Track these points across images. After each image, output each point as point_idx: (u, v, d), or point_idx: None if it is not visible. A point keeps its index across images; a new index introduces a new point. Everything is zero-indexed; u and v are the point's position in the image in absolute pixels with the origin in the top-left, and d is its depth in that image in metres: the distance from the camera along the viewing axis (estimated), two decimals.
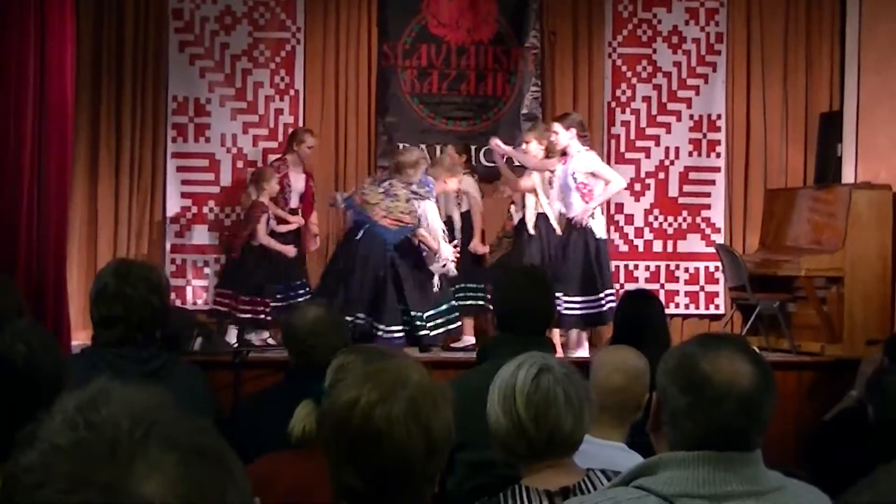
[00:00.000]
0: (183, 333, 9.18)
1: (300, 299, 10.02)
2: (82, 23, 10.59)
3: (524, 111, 11.50)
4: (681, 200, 11.64)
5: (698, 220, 11.62)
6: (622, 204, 11.60)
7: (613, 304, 9.44)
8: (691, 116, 11.64)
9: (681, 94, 11.65)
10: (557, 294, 9.10)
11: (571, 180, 9.50)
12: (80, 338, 8.99)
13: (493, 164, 10.95)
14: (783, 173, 11.61)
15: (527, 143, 9.95)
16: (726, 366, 2.31)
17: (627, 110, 11.68)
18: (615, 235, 11.58)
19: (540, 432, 3.11)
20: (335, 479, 2.35)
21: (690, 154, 11.64)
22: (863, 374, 7.84)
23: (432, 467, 2.34)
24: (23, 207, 8.99)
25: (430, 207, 9.66)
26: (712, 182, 11.65)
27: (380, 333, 9.33)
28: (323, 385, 2.73)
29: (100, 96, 11.05)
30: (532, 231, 9.79)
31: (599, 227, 9.64)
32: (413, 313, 9.48)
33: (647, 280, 11.48)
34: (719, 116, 11.64)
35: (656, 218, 11.64)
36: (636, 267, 11.64)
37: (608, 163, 11.48)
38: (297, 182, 10.63)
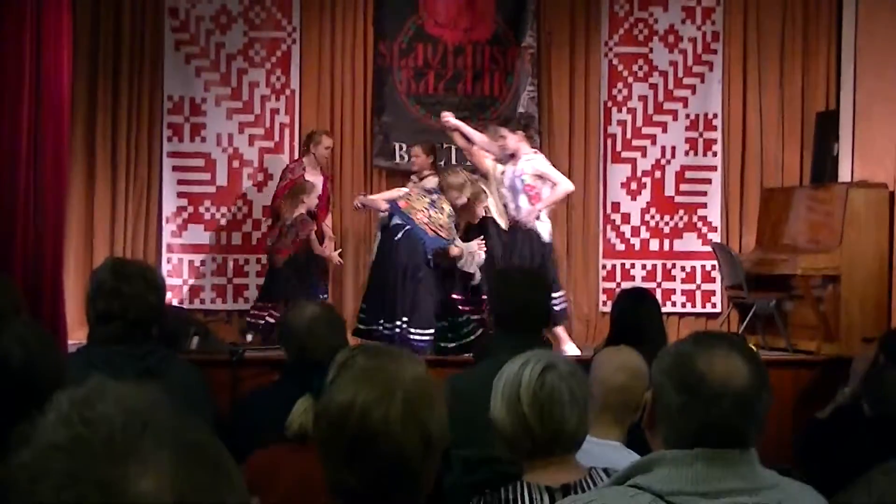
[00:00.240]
0: (179, 332, 9.19)
1: None
2: (79, 21, 10.60)
3: (521, 111, 11.48)
4: (677, 199, 11.64)
5: (695, 218, 11.62)
6: (618, 203, 11.62)
7: (564, 305, 9.52)
8: (688, 115, 11.65)
9: (677, 93, 11.66)
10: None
11: (519, 182, 9.56)
12: (77, 336, 8.98)
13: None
14: (779, 172, 11.62)
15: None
16: (721, 364, 2.31)
17: (624, 109, 11.68)
18: (612, 234, 11.60)
19: (545, 430, 3.12)
20: (331, 478, 2.35)
21: (687, 153, 11.64)
22: (855, 372, 7.84)
23: (429, 465, 2.34)
24: (19, 207, 8.99)
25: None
26: (709, 181, 11.65)
27: (412, 337, 9.34)
28: (323, 381, 2.73)
29: (96, 95, 11.06)
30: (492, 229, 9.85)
31: (545, 230, 9.66)
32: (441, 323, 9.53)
33: (643, 279, 11.48)
34: (716, 115, 11.64)
35: (653, 217, 11.64)
36: (633, 266, 11.64)
37: (605, 162, 11.53)
38: (316, 185, 10.54)
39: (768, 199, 11.31)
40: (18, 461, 1.11)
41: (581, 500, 2.40)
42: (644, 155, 11.66)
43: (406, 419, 2.28)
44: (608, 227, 11.60)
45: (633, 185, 11.64)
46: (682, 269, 11.63)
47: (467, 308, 9.68)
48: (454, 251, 9.45)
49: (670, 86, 11.66)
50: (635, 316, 5.93)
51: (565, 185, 9.79)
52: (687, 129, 11.64)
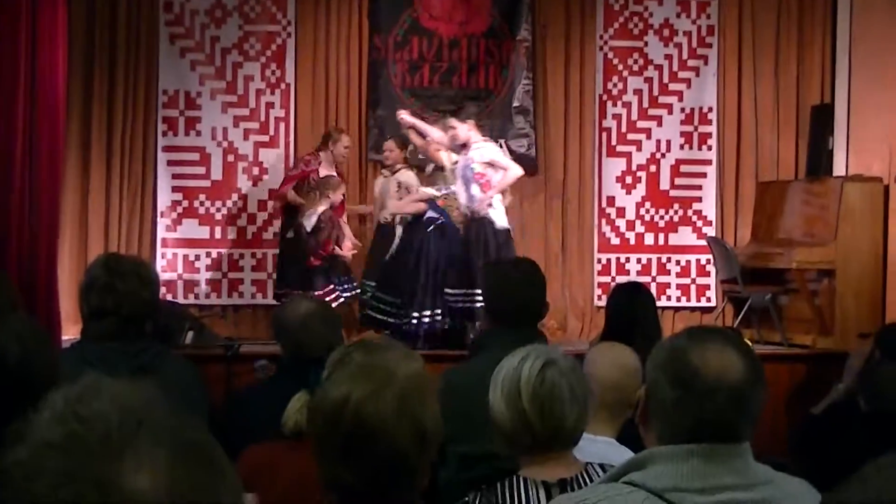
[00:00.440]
0: (174, 327, 9.18)
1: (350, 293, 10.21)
2: (74, 16, 10.57)
3: (516, 104, 11.48)
4: (672, 193, 11.65)
5: (690, 212, 11.63)
6: (613, 197, 11.62)
7: None
8: (682, 109, 11.65)
9: (672, 86, 11.66)
10: (455, 290, 9.43)
11: (469, 171, 9.56)
12: (72, 332, 8.96)
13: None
14: (775, 166, 11.62)
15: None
16: (716, 359, 2.30)
17: (619, 103, 11.68)
18: (607, 228, 11.60)
19: (545, 426, 3.11)
20: (326, 474, 2.35)
21: (682, 147, 11.65)
22: (851, 367, 7.85)
23: (424, 460, 2.35)
24: (14, 202, 8.99)
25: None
26: (704, 175, 11.65)
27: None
28: (319, 377, 2.73)
29: (91, 89, 11.04)
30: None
31: (500, 217, 9.64)
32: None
33: (638, 273, 11.47)
34: (711, 109, 11.65)
35: (648, 211, 11.64)
36: (627, 260, 11.64)
37: (600, 155, 11.52)
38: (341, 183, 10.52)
39: (763, 193, 11.31)
40: (13, 459, 1.10)
41: (576, 497, 2.39)
42: (639, 149, 11.66)
43: (400, 414, 2.28)
44: (603, 221, 11.60)
45: (629, 179, 11.64)
46: (677, 263, 11.63)
47: None
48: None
49: (665, 79, 11.66)
50: (630, 310, 5.93)
51: (514, 171, 9.72)
52: (682, 122, 11.65)
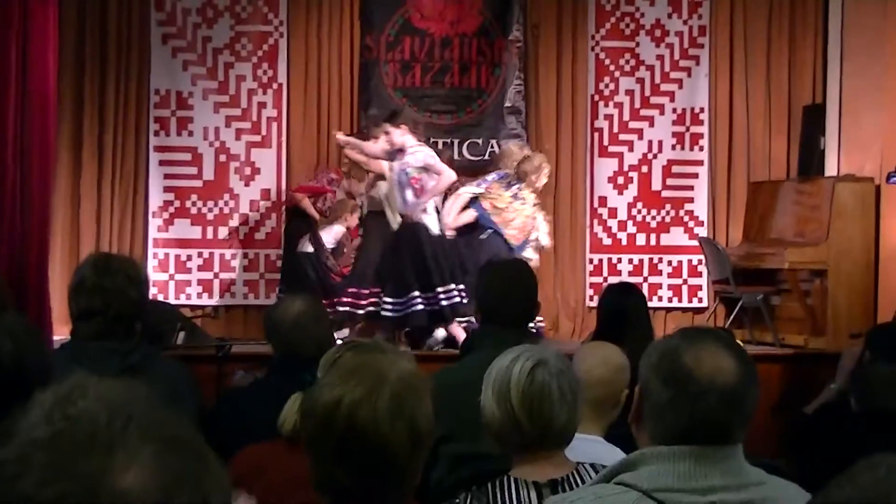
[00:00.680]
0: (165, 327, 9.16)
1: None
2: (65, 15, 10.56)
3: (507, 104, 11.48)
4: (664, 194, 11.65)
5: (682, 213, 11.63)
6: (605, 197, 11.62)
7: (459, 300, 9.43)
8: (674, 110, 11.65)
9: (664, 87, 11.66)
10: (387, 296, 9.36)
11: (404, 176, 9.51)
12: (63, 332, 8.94)
13: (477, 158, 11.12)
14: (766, 166, 11.63)
15: (375, 138, 10.00)
16: (709, 360, 2.30)
17: (611, 104, 11.68)
18: (598, 229, 11.60)
19: (534, 426, 3.11)
20: (319, 474, 2.35)
21: (674, 147, 11.65)
22: (843, 367, 7.87)
23: (417, 460, 2.35)
24: (6, 201, 8.97)
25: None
26: (695, 175, 11.66)
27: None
28: (313, 376, 2.73)
29: (82, 89, 11.03)
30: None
31: (433, 223, 9.58)
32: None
33: (630, 273, 11.47)
34: (702, 109, 11.65)
35: (639, 211, 11.65)
36: (619, 260, 11.64)
37: (592, 156, 11.52)
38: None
39: (755, 193, 11.33)
40: (1, 457, 1.10)
41: (568, 499, 2.39)
42: (631, 149, 11.66)
43: (394, 417, 2.28)
44: (595, 221, 11.60)
45: (620, 180, 11.64)
46: (669, 263, 11.64)
47: None
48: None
49: (657, 80, 11.66)
50: (622, 310, 5.93)
51: (448, 176, 9.56)
52: (674, 123, 11.65)
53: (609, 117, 11.67)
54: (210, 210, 11.25)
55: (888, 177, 9.85)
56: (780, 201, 10.87)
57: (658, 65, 11.67)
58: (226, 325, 10.97)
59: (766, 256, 10.37)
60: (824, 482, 1.41)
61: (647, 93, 11.66)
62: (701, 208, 11.64)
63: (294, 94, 11.42)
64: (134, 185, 11.18)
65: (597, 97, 11.68)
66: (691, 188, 11.66)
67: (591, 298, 11.27)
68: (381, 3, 11.45)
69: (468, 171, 11.17)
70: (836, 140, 10.90)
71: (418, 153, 9.50)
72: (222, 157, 11.28)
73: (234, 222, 11.30)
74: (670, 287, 11.62)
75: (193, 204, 11.24)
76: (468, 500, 3.12)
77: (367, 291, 9.58)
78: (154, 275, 10.84)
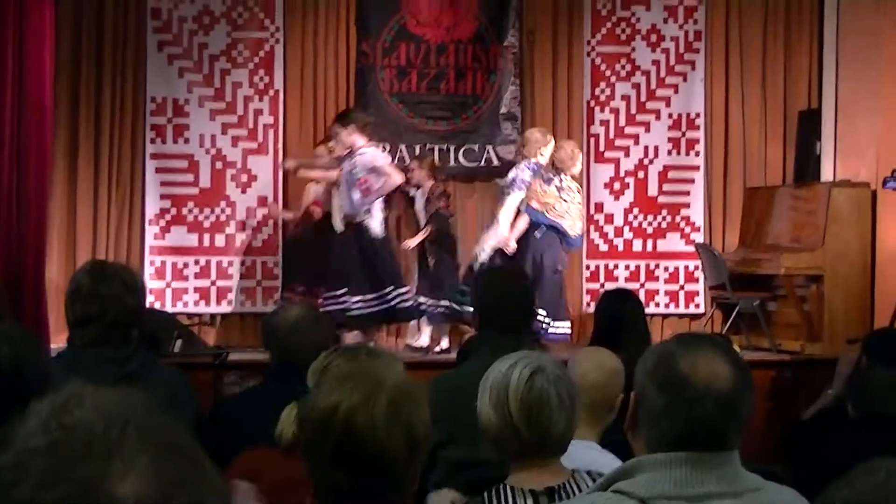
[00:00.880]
0: (162, 335, 9.16)
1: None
2: (61, 22, 10.54)
3: (503, 110, 11.48)
4: (660, 199, 11.64)
5: (678, 218, 11.62)
6: (602, 203, 11.62)
7: (406, 303, 9.55)
8: (670, 115, 11.65)
9: (660, 92, 11.66)
10: (342, 295, 9.44)
11: (352, 177, 9.52)
12: (60, 340, 8.93)
13: (473, 165, 11.13)
14: (762, 171, 11.63)
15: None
16: (705, 366, 2.30)
17: (606, 109, 11.67)
18: (595, 234, 11.59)
19: (532, 433, 3.11)
20: (317, 480, 2.35)
21: (670, 153, 11.65)
22: (840, 373, 7.86)
23: (414, 465, 2.35)
24: (2, 209, 8.96)
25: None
26: (692, 181, 11.65)
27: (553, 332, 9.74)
28: (308, 386, 2.73)
29: (79, 97, 11.01)
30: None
31: (376, 225, 9.62)
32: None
33: (626, 279, 11.47)
34: (698, 115, 11.65)
35: (636, 217, 11.64)
36: (616, 266, 11.64)
37: (588, 162, 11.50)
38: None
39: (751, 199, 11.33)
40: None
41: None
42: (627, 155, 11.66)
43: (391, 423, 2.28)
44: (591, 227, 11.58)
45: (616, 186, 11.64)
46: (666, 269, 11.63)
47: None
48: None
49: (653, 85, 11.66)
50: (618, 316, 5.93)
51: (395, 178, 9.63)
52: (670, 128, 11.65)
53: (605, 123, 11.67)
54: (207, 217, 11.23)
55: (884, 182, 9.85)
56: (777, 207, 10.88)
57: (654, 70, 11.67)
58: (223, 333, 10.96)
59: (763, 262, 10.37)
60: (821, 488, 1.42)
61: (643, 98, 11.65)
62: (697, 214, 11.64)
63: (290, 100, 11.41)
64: (130, 193, 11.15)
65: (592, 102, 11.67)
66: (688, 193, 11.66)
67: (588, 304, 11.27)
68: (377, 9, 11.45)
69: (464, 178, 11.17)
70: (832, 145, 10.91)
71: (366, 154, 9.54)
72: (219, 165, 11.26)
73: (231, 229, 11.27)
74: (667, 293, 11.61)
75: (190, 211, 11.22)
76: None
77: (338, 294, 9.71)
78: (151, 282, 10.81)
